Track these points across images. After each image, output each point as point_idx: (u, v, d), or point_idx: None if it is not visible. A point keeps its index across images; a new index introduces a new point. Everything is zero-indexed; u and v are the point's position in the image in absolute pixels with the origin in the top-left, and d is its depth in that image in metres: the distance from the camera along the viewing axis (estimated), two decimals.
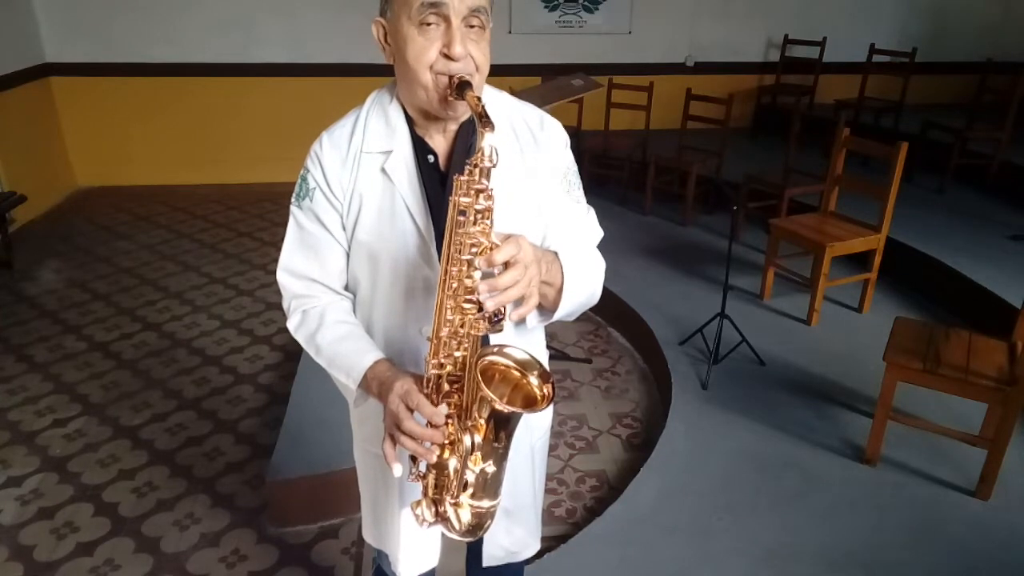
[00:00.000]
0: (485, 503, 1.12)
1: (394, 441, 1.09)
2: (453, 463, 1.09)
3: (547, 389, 1.06)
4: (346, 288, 1.28)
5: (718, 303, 3.29)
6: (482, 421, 1.05)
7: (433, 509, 1.13)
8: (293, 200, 1.24)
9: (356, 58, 5.66)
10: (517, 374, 1.09)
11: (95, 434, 3.01)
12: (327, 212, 1.20)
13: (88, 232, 5.23)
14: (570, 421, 3.12)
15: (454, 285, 1.03)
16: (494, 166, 0.99)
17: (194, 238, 5.15)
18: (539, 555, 2.24)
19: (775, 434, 2.80)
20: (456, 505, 1.11)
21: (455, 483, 1.09)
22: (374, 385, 1.15)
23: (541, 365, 1.08)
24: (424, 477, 1.14)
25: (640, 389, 3.39)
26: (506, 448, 1.10)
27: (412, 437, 1.06)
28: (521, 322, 1.21)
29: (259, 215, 5.61)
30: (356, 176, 1.18)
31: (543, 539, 2.43)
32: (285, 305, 1.28)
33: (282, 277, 1.26)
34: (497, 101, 1.23)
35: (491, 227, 1.01)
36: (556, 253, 1.15)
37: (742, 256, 4.31)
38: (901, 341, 2.58)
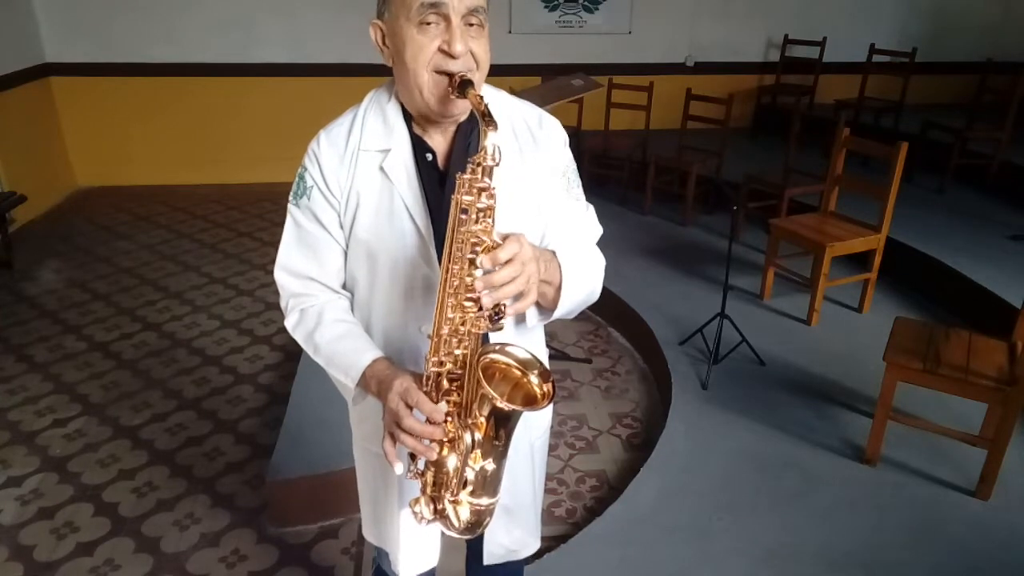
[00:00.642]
0: (484, 501, 1.12)
1: (394, 439, 1.10)
2: (453, 461, 1.09)
3: (547, 388, 1.06)
4: (344, 287, 1.28)
5: (718, 303, 3.29)
6: (482, 419, 1.06)
7: (432, 506, 1.14)
8: (291, 198, 1.23)
9: (356, 58, 5.65)
10: (518, 373, 1.09)
11: (95, 434, 3.01)
12: (325, 211, 1.20)
13: (88, 232, 5.23)
14: (570, 421, 3.12)
15: (455, 283, 1.03)
16: (497, 164, 0.99)
17: (194, 238, 5.15)
18: (539, 555, 2.25)
19: (775, 434, 2.80)
20: (455, 503, 1.11)
21: (455, 481, 1.09)
22: (373, 384, 1.15)
23: (542, 364, 1.09)
24: (423, 475, 1.14)
25: (640, 389, 3.39)
26: (506, 446, 1.10)
27: (412, 435, 1.07)
28: (521, 320, 1.21)
29: (259, 215, 5.61)
30: (354, 175, 1.18)
31: (543, 539, 2.43)
32: (283, 304, 1.28)
33: (280, 276, 1.26)
34: (496, 100, 1.23)
35: (493, 225, 1.01)
36: (554, 252, 1.15)
37: (742, 256, 4.31)
38: (901, 341, 2.58)
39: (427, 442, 1.07)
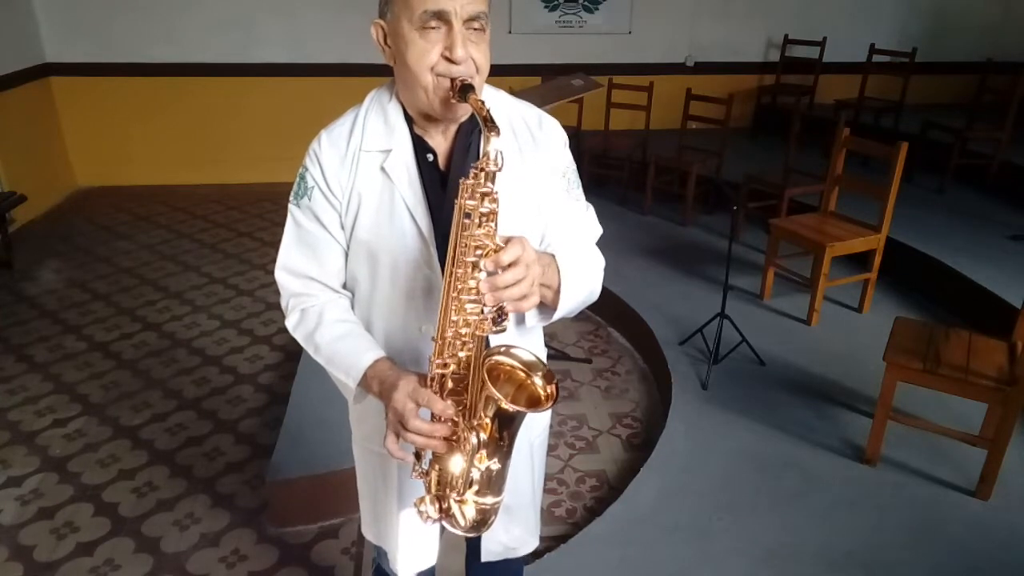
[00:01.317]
0: (489, 499, 1.13)
1: (397, 437, 1.11)
2: (458, 461, 1.10)
3: (551, 389, 1.07)
4: (344, 286, 1.28)
5: (718, 303, 3.29)
6: (487, 419, 1.07)
7: (437, 506, 1.14)
8: (291, 198, 1.24)
9: (356, 58, 5.66)
10: (522, 374, 1.10)
11: (95, 434, 3.01)
12: (326, 211, 1.20)
13: (88, 232, 5.23)
14: (570, 421, 3.12)
15: (459, 286, 1.04)
16: (499, 170, 1.00)
17: (194, 238, 5.15)
18: (539, 555, 2.25)
19: (775, 434, 2.80)
20: (461, 502, 1.12)
21: (461, 481, 1.10)
22: (375, 384, 1.16)
23: (546, 366, 1.10)
24: (427, 474, 1.15)
25: (640, 389, 3.39)
26: (510, 446, 1.11)
27: (419, 434, 1.08)
28: (520, 321, 1.21)
29: (259, 215, 5.61)
30: (355, 175, 1.18)
31: (543, 539, 2.43)
32: (283, 303, 1.28)
33: (280, 275, 1.27)
34: (496, 100, 1.24)
35: (495, 229, 1.02)
36: (553, 256, 1.16)
37: (742, 256, 4.31)
38: (901, 341, 2.58)
39: (439, 432, 1.09)
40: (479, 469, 1.09)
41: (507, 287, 0.99)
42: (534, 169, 1.22)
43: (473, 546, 1.50)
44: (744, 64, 6.73)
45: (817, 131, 5.06)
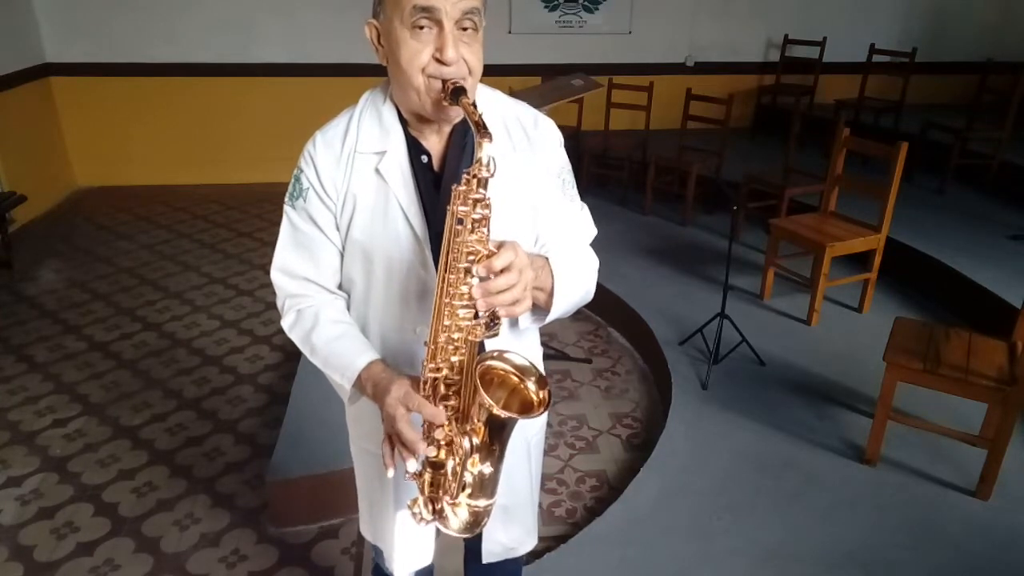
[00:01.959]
0: (482, 502, 1.13)
1: (392, 443, 1.11)
2: (451, 465, 1.10)
3: (543, 394, 1.07)
4: (340, 287, 1.28)
5: (718, 303, 3.29)
6: (480, 424, 1.07)
7: (430, 507, 1.15)
8: (287, 199, 1.24)
9: (356, 58, 5.64)
10: (515, 379, 1.10)
11: (95, 434, 3.01)
12: (321, 212, 1.20)
13: (88, 232, 5.24)
14: (570, 421, 3.12)
15: (451, 292, 1.04)
16: (492, 176, 1.00)
17: (194, 238, 5.15)
18: (539, 555, 2.25)
19: (775, 434, 2.80)
20: (454, 505, 1.13)
21: (453, 485, 1.10)
22: (368, 386, 1.16)
23: (539, 371, 1.09)
24: (420, 476, 1.15)
25: (640, 389, 3.39)
26: (503, 450, 1.11)
27: (403, 442, 1.08)
28: (514, 324, 1.21)
29: (259, 215, 5.61)
30: (350, 176, 1.18)
31: (543, 539, 2.44)
32: (279, 304, 1.29)
33: (276, 276, 1.27)
34: (491, 100, 1.23)
35: (488, 235, 1.02)
36: (547, 258, 1.16)
37: (742, 256, 4.31)
38: (901, 341, 2.58)
39: (420, 449, 1.09)
40: (472, 473, 1.10)
41: (499, 293, 0.99)
42: (529, 169, 1.22)
43: (472, 547, 1.51)
44: (744, 64, 6.73)
45: (817, 131, 5.06)
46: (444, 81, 1.07)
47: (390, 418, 1.10)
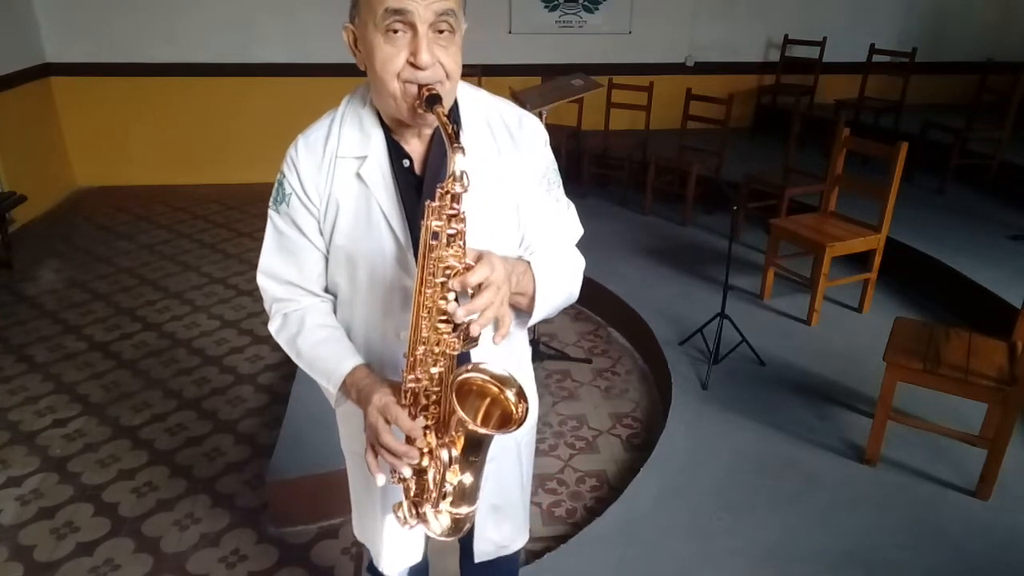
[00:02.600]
0: (464, 509, 1.14)
1: (375, 452, 1.12)
2: (432, 474, 1.11)
3: (521, 409, 1.06)
4: (326, 290, 1.28)
5: (718, 303, 3.29)
6: (459, 436, 1.07)
7: (414, 511, 1.16)
8: (271, 203, 1.23)
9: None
10: (494, 389, 1.09)
11: (95, 434, 3.01)
12: (304, 217, 1.19)
13: (88, 232, 5.24)
14: (570, 421, 3.12)
15: (428, 306, 1.03)
16: (465, 191, 0.98)
17: (194, 238, 5.15)
18: (539, 555, 2.25)
19: (775, 434, 2.80)
20: (436, 512, 1.14)
21: (435, 493, 1.11)
22: (353, 392, 1.17)
23: (517, 383, 1.08)
24: (404, 481, 1.16)
25: (640, 389, 3.39)
26: (482, 460, 1.12)
27: (389, 451, 1.08)
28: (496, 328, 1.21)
29: (259, 215, 5.61)
30: (332, 181, 1.17)
31: (543, 539, 2.44)
32: (267, 307, 1.29)
33: (262, 280, 1.27)
34: (474, 99, 1.22)
35: (464, 249, 1.01)
36: (528, 263, 1.15)
37: (742, 256, 4.31)
38: (901, 341, 2.58)
39: (412, 454, 1.09)
40: (451, 484, 1.10)
41: (482, 311, 0.99)
42: (513, 169, 1.21)
43: (466, 546, 1.51)
44: (744, 64, 6.73)
45: (817, 131, 5.06)
46: (420, 86, 1.05)
47: (372, 428, 1.10)
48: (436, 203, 0.99)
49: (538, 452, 2.89)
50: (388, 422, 1.08)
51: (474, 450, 1.09)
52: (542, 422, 3.10)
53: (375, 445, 1.11)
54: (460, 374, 1.06)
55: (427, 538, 1.48)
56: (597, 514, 2.43)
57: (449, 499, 1.12)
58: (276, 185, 1.21)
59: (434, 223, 0.99)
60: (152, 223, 5.42)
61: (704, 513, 2.42)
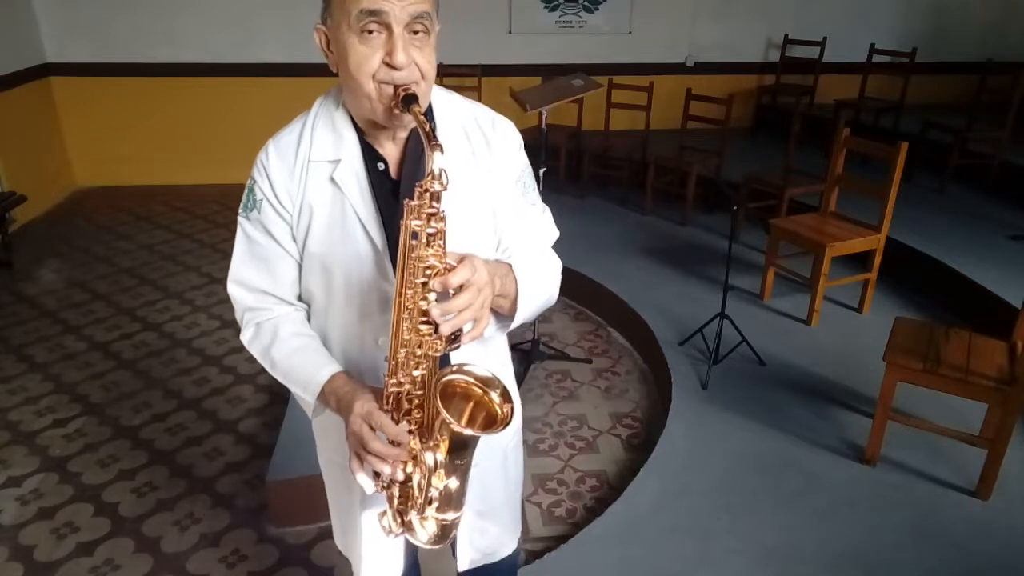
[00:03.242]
0: (450, 515, 1.12)
1: (360, 460, 1.08)
2: (417, 479, 1.09)
3: (507, 409, 1.05)
4: (299, 299, 1.25)
5: (718, 303, 3.29)
6: (444, 440, 1.05)
7: (399, 519, 1.13)
8: (240, 210, 1.20)
9: None
10: (479, 390, 1.08)
11: (95, 434, 3.01)
12: (276, 223, 1.16)
13: (88, 232, 5.24)
14: (570, 421, 3.12)
15: (409, 307, 1.01)
16: (445, 189, 0.97)
17: (194, 238, 5.15)
18: (539, 555, 2.25)
19: (775, 434, 2.80)
20: (422, 519, 1.12)
21: (420, 499, 1.09)
22: (332, 400, 1.14)
23: (502, 384, 1.07)
24: (388, 488, 1.13)
25: (640, 389, 3.39)
26: (468, 464, 1.10)
27: (379, 457, 1.05)
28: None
29: None
30: (304, 186, 1.14)
31: (543, 539, 2.44)
32: (238, 317, 1.25)
33: (233, 289, 1.23)
34: (447, 103, 1.21)
35: (444, 248, 1.00)
36: (511, 265, 1.14)
37: (742, 256, 4.31)
38: (901, 341, 2.58)
39: (403, 456, 1.07)
40: (437, 488, 1.08)
41: (461, 311, 0.97)
42: (488, 173, 1.19)
43: (453, 554, 1.49)
44: (744, 64, 6.73)
45: (817, 131, 5.06)
46: (396, 87, 1.04)
47: (356, 435, 1.07)
48: (415, 202, 0.97)
49: (538, 452, 2.90)
50: (373, 429, 1.05)
51: (459, 453, 1.07)
52: (542, 422, 3.10)
53: (360, 453, 1.07)
54: (444, 376, 1.05)
55: (405, 552, 1.45)
56: (597, 514, 2.43)
57: (435, 505, 1.09)
58: (246, 191, 1.18)
59: (414, 222, 0.98)
60: (152, 223, 5.42)
61: (704, 513, 2.42)
